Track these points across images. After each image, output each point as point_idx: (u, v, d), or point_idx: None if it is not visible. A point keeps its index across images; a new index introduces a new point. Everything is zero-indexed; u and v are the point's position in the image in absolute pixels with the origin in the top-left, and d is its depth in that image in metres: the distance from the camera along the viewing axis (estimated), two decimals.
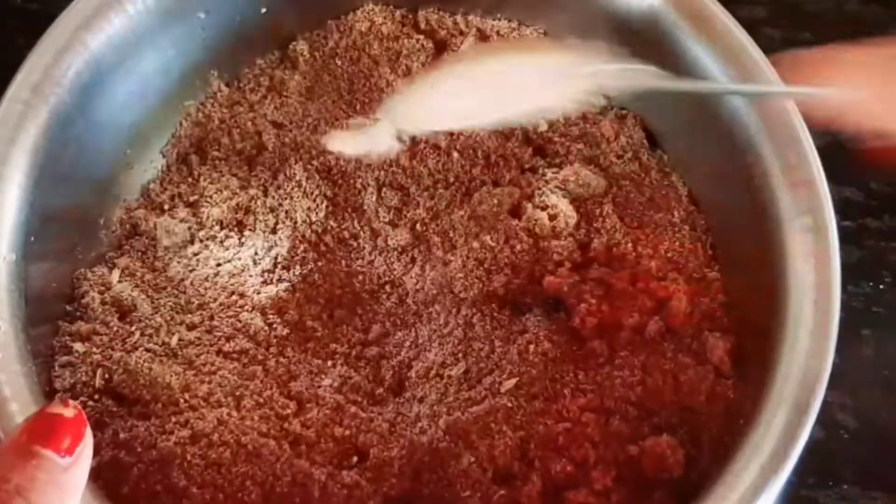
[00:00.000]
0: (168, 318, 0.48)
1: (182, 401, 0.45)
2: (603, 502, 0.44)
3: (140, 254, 0.51)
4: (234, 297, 0.49)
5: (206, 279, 0.50)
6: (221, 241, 0.51)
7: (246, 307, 0.49)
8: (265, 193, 0.53)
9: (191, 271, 0.50)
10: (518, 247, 0.51)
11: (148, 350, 0.47)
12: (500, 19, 0.58)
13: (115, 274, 0.49)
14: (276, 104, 0.55)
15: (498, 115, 0.45)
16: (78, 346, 0.46)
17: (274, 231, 0.52)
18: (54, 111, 0.46)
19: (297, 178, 0.53)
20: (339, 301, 0.50)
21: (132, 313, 0.48)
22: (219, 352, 0.48)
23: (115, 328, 0.47)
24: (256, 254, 0.51)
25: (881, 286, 0.57)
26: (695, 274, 0.50)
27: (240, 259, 0.51)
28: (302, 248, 0.51)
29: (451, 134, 0.54)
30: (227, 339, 0.48)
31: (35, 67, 0.46)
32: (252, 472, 0.43)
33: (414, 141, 0.53)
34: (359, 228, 0.52)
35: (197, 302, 0.49)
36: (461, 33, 0.57)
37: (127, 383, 0.45)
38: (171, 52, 0.52)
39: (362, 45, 0.56)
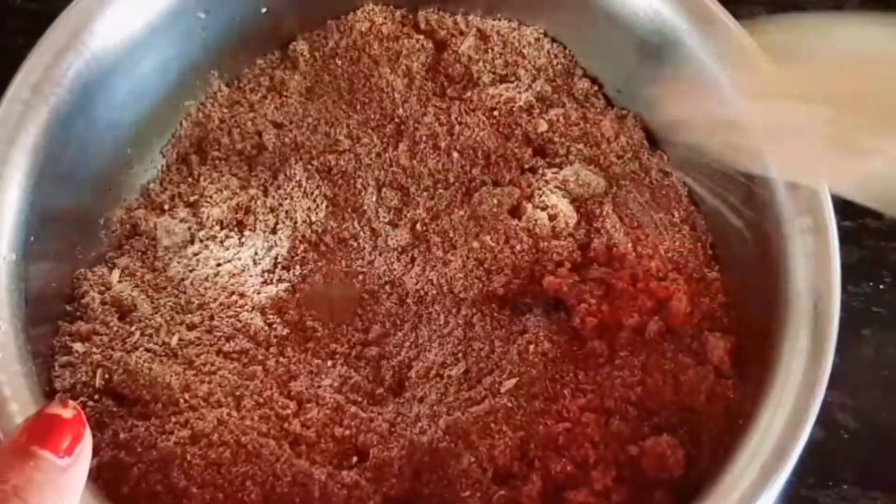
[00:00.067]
0: (168, 318, 0.48)
1: (182, 401, 0.45)
2: (603, 502, 0.44)
3: (140, 254, 0.51)
4: (234, 297, 0.49)
5: (206, 279, 0.50)
6: (221, 241, 0.51)
7: (246, 307, 0.49)
8: (265, 193, 0.53)
9: (191, 271, 0.50)
10: (518, 247, 0.51)
11: (148, 350, 0.47)
12: (500, 19, 0.58)
13: (115, 274, 0.49)
14: (277, 104, 0.55)
15: None
16: (78, 346, 0.46)
17: (274, 231, 0.52)
18: (54, 111, 0.46)
19: (298, 178, 0.53)
20: (339, 301, 0.50)
21: (132, 313, 0.48)
22: (219, 352, 0.47)
23: (115, 328, 0.47)
24: (256, 254, 0.51)
25: (881, 286, 0.57)
26: (695, 274, 0.50)
27: (240, 259, 0.51)
28: (302, 248, 0.51)
29: (451, 134, 0.54)
30: (227, 339, 0.48)
31: (35, 67, 0.46)
32: (252, 472, 0.43)
33: None
34: (359, 228, 0.52)
35: (197, 302, 0.49)
36: (461, 33, 0.57)
37: (127, 383, 0.45)
38: (171, 51, 0.52)
39: (362, 45, 0.57)
